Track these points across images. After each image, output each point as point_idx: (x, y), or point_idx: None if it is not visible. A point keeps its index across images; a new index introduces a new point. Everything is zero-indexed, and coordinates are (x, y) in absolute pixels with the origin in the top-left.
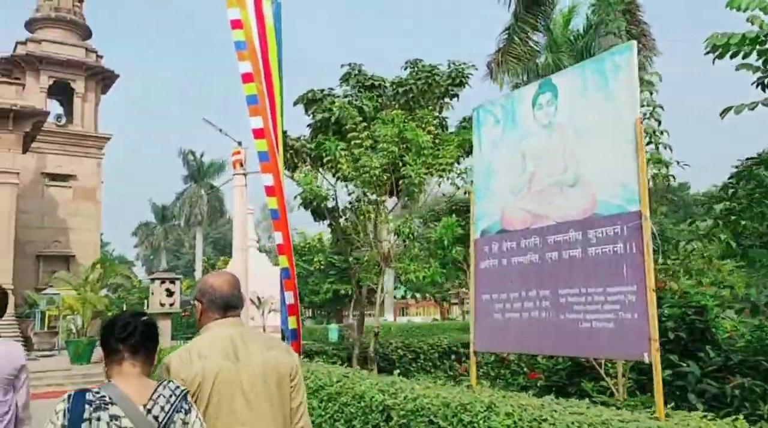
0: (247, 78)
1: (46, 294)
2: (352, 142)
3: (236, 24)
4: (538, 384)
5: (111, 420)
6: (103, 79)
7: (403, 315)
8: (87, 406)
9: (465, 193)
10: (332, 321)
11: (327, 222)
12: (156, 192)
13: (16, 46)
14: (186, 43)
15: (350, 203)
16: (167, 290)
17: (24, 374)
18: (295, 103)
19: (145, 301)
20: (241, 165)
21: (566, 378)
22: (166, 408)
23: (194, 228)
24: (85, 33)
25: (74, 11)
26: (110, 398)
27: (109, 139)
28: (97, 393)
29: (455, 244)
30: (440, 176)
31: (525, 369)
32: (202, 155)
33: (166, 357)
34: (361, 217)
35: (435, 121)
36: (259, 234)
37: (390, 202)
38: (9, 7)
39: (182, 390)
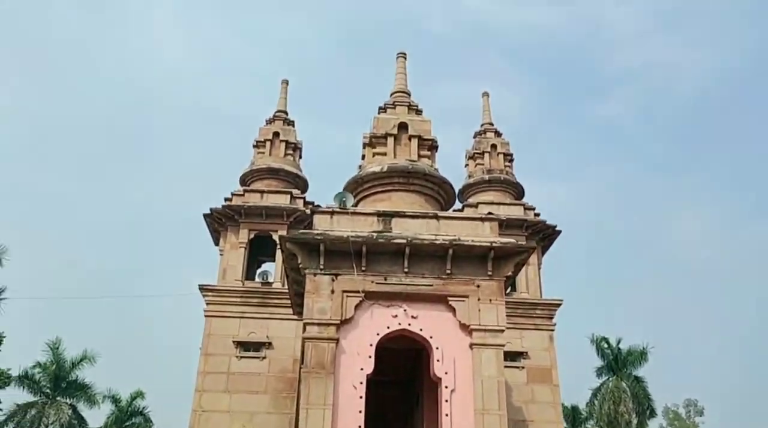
0: None
1: None
2: None
3: None
4: None
5: None
6: (543, 237)
7: None
8: None
9: None
10: None
11: None
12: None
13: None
14: None
15: None
16: None
17: None
18: None
19: None
20: None
21: None
22: None
23: None
24: (518, 191)
25: (506, 171)
26: None
27: (559, 305)
28: None
29: None
30: None
31: None
32: (618, 342)
33: None
34: None
35: None
36: None
37: None
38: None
39: None
